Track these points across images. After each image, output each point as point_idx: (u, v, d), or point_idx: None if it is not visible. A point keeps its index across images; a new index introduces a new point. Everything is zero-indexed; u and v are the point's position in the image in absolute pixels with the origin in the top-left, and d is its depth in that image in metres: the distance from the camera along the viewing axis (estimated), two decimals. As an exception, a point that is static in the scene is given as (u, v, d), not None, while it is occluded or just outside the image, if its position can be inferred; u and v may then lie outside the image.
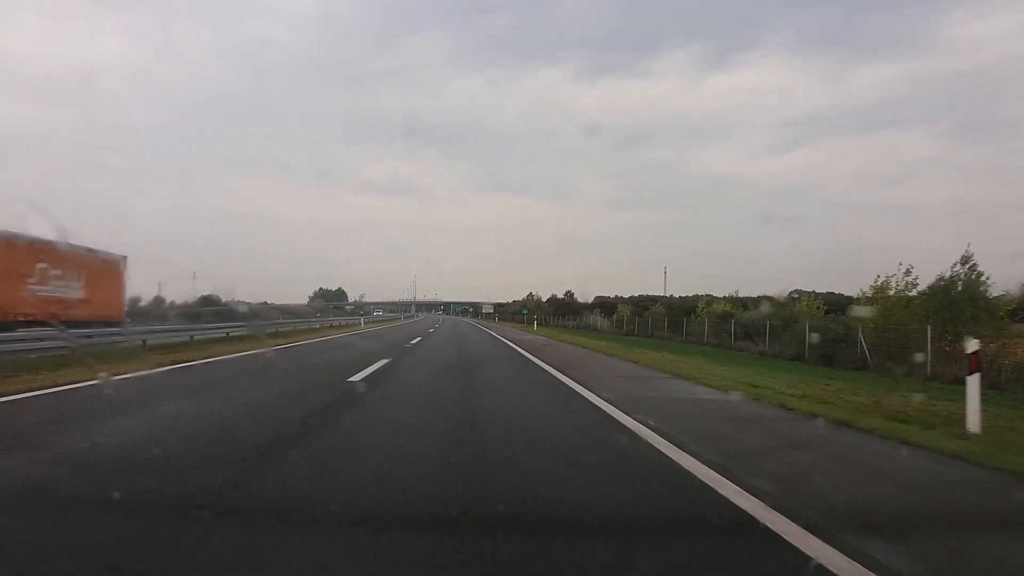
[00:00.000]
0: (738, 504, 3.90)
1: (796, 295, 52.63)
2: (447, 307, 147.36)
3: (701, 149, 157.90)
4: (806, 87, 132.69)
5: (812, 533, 3.32)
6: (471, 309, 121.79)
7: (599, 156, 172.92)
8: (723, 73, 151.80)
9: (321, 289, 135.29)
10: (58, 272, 19.57)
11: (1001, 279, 20.53)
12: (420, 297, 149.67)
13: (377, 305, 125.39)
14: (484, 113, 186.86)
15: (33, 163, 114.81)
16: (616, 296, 79.16)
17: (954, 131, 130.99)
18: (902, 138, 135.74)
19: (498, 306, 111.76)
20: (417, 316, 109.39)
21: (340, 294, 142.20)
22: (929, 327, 19.12)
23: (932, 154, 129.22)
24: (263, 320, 32.24)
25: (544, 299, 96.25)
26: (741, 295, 54.82)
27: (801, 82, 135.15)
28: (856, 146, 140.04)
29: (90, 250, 21.54)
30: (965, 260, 20.30)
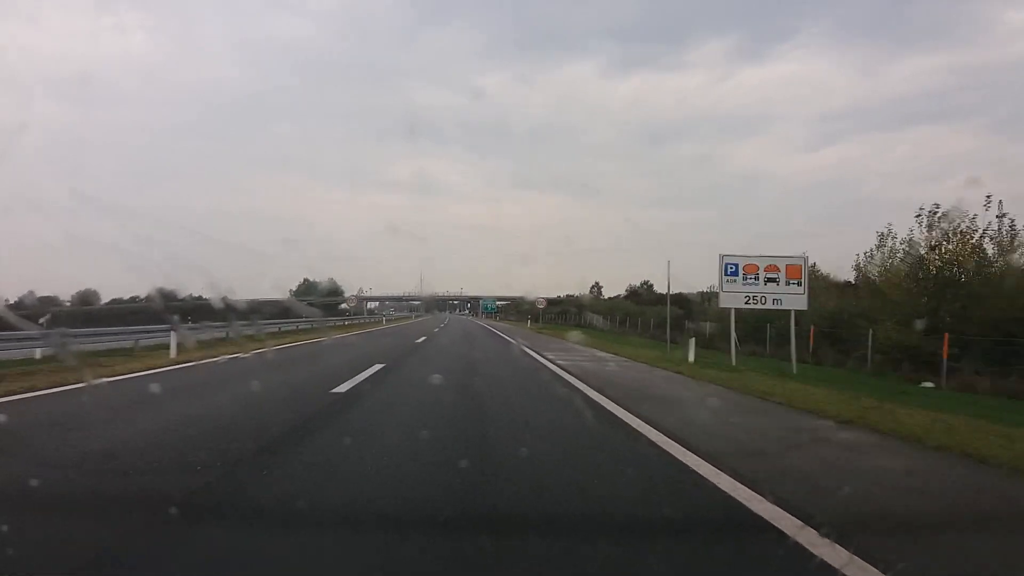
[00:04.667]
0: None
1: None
2: (475, 304, 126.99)
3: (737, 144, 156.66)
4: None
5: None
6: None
7: (632, 151, 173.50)
8: (759, 66, 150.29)
9: (306, 281, 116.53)
10: None
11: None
12: (441, 292, 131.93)
13: (374, 300, 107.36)
14: (512, 109, 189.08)
15: (38, 161, 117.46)
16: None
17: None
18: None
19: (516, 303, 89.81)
20: (425, 316, 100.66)
21: (330, 286, 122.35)
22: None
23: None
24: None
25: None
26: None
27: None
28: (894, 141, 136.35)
29: None
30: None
